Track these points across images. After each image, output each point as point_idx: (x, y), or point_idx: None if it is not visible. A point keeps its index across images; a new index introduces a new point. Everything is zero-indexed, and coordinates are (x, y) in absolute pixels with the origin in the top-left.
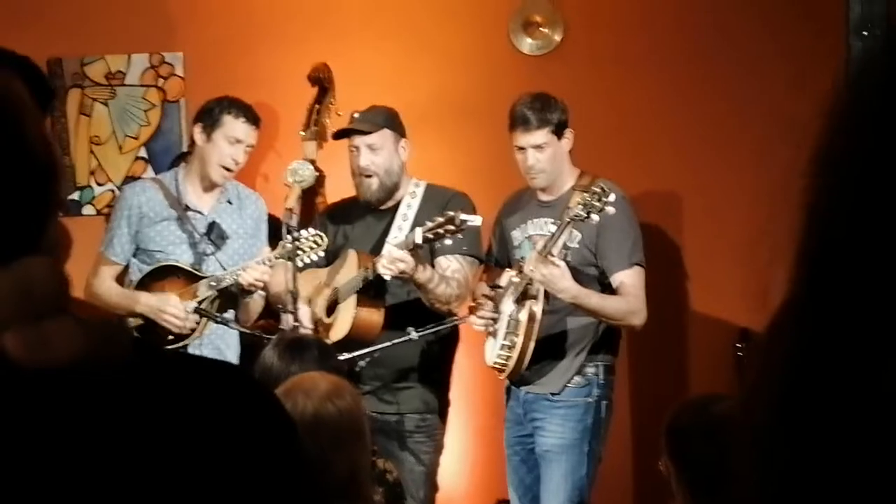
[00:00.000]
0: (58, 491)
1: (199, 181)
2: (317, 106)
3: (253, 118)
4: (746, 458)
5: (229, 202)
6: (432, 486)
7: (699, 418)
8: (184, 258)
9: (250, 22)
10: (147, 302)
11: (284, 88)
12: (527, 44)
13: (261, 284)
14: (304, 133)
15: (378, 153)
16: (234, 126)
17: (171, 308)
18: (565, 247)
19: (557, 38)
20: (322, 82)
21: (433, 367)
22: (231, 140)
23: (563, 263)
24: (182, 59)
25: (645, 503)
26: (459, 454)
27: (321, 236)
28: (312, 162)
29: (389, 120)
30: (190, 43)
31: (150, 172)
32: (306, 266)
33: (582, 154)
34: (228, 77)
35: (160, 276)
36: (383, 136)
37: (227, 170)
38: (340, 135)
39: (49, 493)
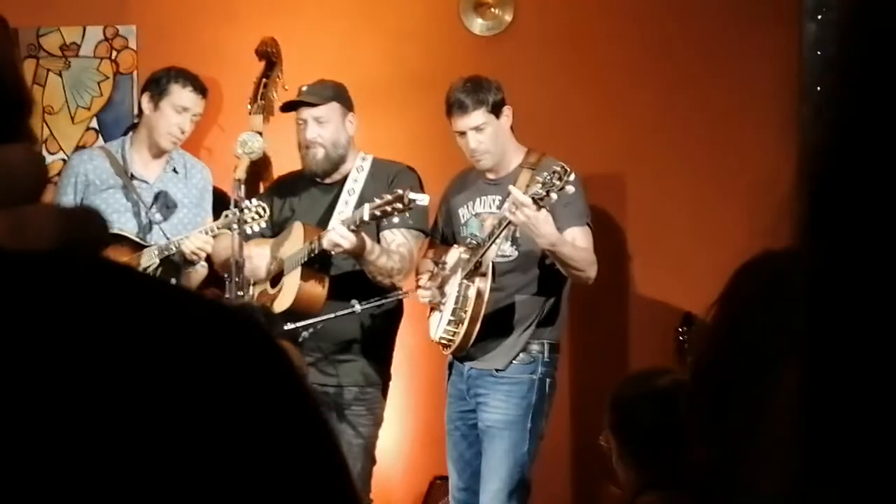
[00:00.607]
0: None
1: (146, 150)
2: (264, 80)
3: (200, 87)
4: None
5: (175, 171)
6: (370, 459)
7: (644, 391)
8: (128, 227)
9: None
10: None
11: (232, 63)
12: (477, 24)
13: (203, 254)
14: (250, 107)
15: (325, 126)
16: (181, 95)
17: None
18: (537, 204)
19: (508, 18)
20: (269, 56)
21: (375, 341)
22: (178, 109)
23: (547, 208)
24: (135, 32)
25: (584, 481)
26: (398, 429)
27: (263, 207)
28: (259, 134)
29: (337, 93)
30: (143, 16)
31: (100, 142)
32: (249, 236)
33: (530, 134)
34: (180, 51)
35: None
36: (330, 109)
37: (175, 137)
38: (288, 107)
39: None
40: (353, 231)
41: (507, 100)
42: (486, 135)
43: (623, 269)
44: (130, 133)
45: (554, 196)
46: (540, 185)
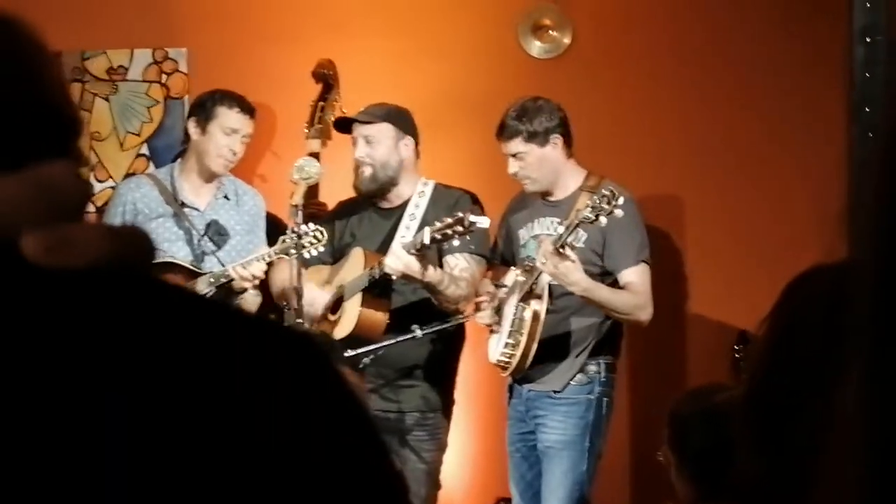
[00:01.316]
0: (64, 379)
1: (196, 176)
2: (321, 103)
3: (247, 108)
4: (754, 443)
5: (226, 198)
6: (434, 484)
7: (702, 408)
8: (181, 255)
9: (255, 18)
10: None
11: (287, 86)
12: (535, 47)
13: (255, 281)
14: (307, 130)
15: (374, 146)
16: (228, 116)
17: None
18: (570, 246)
19: (566, 41)
20: (327, 79)
21: (436, 366)
22: (227, 130)
23: (575, 257)
24: (186, 55)
25: (642, 499)
26: (461, 451)
27: (321, 231)
28: (316, 158)
29: (392, 116)
30: (194, 39)
31: (151, 170)
32: (308, 261)
33: (589, 156)
34: (232, 74)
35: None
36: (381, 130)
37: (226, 160)
38: (340, 123)
39: (57, 380)
40: (414, 255)
41: (565, 124)
42: (527, 162)
43: (680, 287)
44: (178, 160)
45: (603, 220)
46: (589, 209)
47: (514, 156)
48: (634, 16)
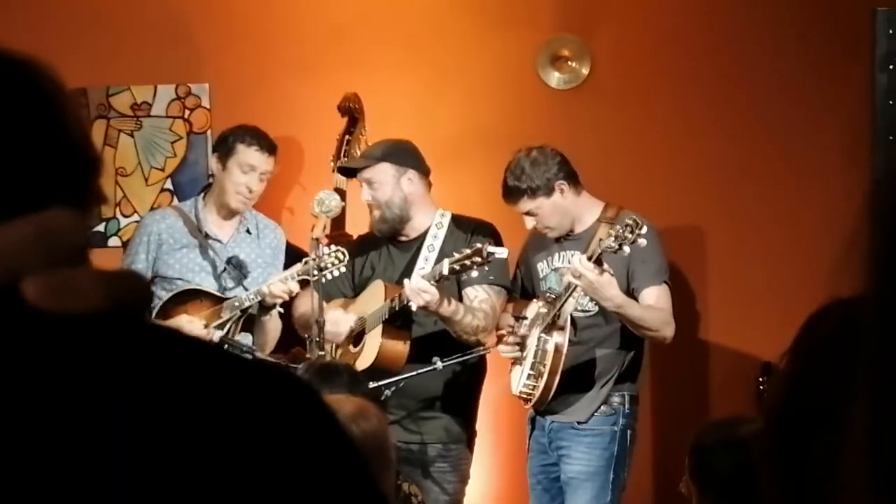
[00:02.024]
0: (70, 424)
1: (217, 210)
2: (347, 136)
3: (267, 146)
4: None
5: (248, 232)
6: None
7: (724, 438)
8: (205, 285)
9: (276, 54)
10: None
11: (310, 120)
12: (554, 78)
13: (286, 297)
14: (333, 164)
15: (376, 188)
16: (246, 154)
17: (188, 327)
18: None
19: (585, 71)
20: (352, 112)
21: (458, 397)
22: (245, 168)
23: (612, 271)
24: (208, 90)
25: None
26: (484, 483)
27: (343, 252)
28: (342, 192)
29: (389, 154)
30: (216, 74)
31: (176, 203)
32: (328, 286)
33: (607, 186)
34: (254, 109)
35: (182, 301)
36: (379, 171)
37: (244, 197)
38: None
39: (61, 426)
40: (434, 285)
41: (565, 167)
42: (540, 216)
43: (703, 318)
44: (203, 193)
45: (626, 249)
46: (612, 239)
47: (526, 213)
48: (653, 46)
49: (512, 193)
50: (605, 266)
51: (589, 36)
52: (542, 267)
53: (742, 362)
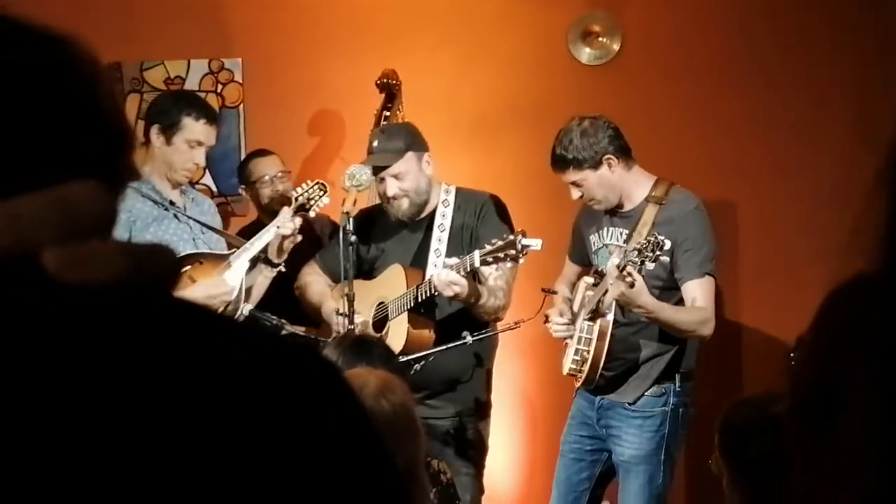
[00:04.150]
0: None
1: (167, 182)
2: (385, 112)
3: (213, 116)
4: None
5: (192, 200)
6: (479, 490)
7: (756, 417)
8: (189, 249)
9: (308, 28)
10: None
11: (342, 95)
12: (585, 53)
13: (295, 233)
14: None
15: (404, 179)
16: (194, 129)
17: (213, 289)
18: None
19: (616, 47)
20: (391, 88)
21: (477, 372)
22: (192, 144)
23: (640, 279)
24: (241, 65)
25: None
26: (513, 458)
27: (322, 184)
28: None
29: (410, 142)
30: (249, 49)
31: (207, 178)
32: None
33: (640, 163)
34: (286, 83)
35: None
36: (407, 162)
37: (191, 173)
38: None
39: (75, 401)
40: (463, 276)
41: (617, 140)
42: (586, 187)
43: (736, 294)
44: (142, 166)
45: (649, 266)
46: (636, 253)
47: (572, 183)
48: (683, 22)
49: (558, 163)
50: (635, 275)
51: (620, 12)
52: (593, 240)
53: (776, 337)
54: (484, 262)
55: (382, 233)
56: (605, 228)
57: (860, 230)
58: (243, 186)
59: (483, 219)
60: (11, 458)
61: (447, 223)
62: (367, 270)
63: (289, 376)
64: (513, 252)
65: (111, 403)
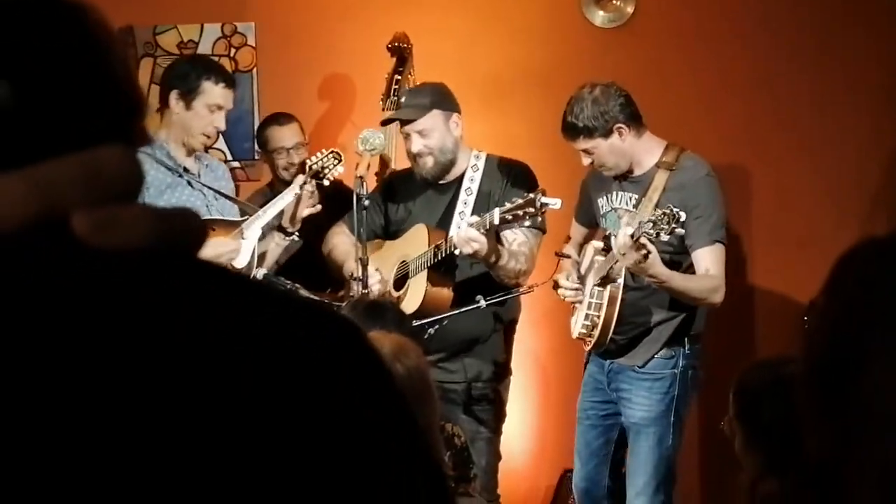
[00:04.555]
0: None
1: (180, 147)
2: (396, 76)
3: (231, 80)
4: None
5: (207, 166)
6: (495, 455)
7: (772, 378)
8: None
9: None
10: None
11: (356, 59)
12: (598, 16)
13: (310, 199)
14: (383, 103)
15: (429, 136)
16: (213, 93)
17: (219, 248)
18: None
19: (629, 10)
20: (402, 52)
21: (495, 337)
22: (212, 108)
23: (653, 248)
24: (254, 28)
25: (712, 471)
26: (530, 424)
27: (337, 151)
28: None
29: (436, 100)
30: (262, 13)
31: (221, 142)
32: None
33: (653, 126)
34: (300, 47)
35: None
36: (432, 118)
37: (210, 139)
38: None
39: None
40: (483, 234)
41: (628, 107)
42: (597, 154)
43: (748, 259)
44: (160, 133)
45: (665, 237)
46: (651, 225)
47: (583, 151)
48: None
49: (569, 131)
50: (648, 245)
51: None
52: (602, 203)
53: (789, 300)
54: (503, 221)
55: (410, 195)
56: (615, 192)
57: (880, 200)
58: (259, 151)
59: (510, 184)
60: (51, 416)
61: (474, 187)
62: (393, 231)
63: (318, 338)
64: (532, 210)
65: (142, 367)
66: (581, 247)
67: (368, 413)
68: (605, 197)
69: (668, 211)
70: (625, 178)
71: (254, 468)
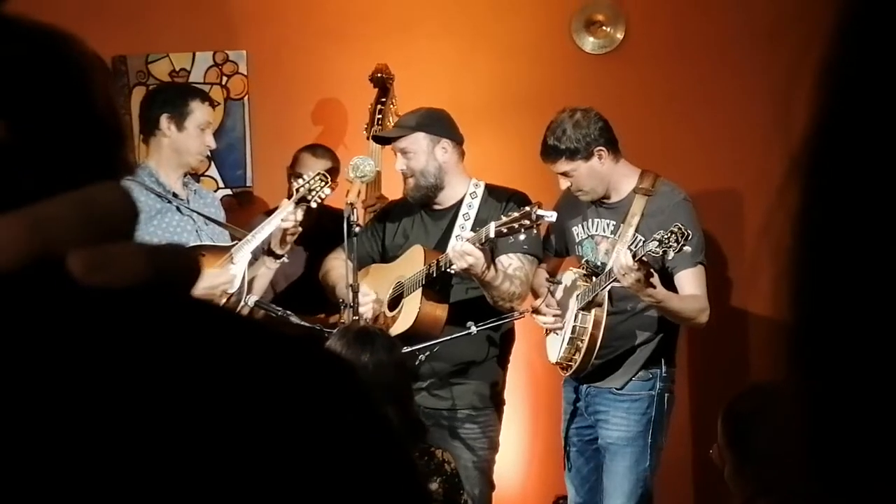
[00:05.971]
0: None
1: (173, 171)
2: (379, 106)
3: (210, 99)
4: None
5: (195, 192)
6: (488, 483)
7: (760, 404)
8: (192, 242)
9: (312, 20)
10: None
11: (346, 87)
12: (589, 42)
13: (297, 226)
14: (367, 132)
15: (410, 157)
16: (202, 111)
17: (214, 279)
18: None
19: (619, 36)
20: (383, 82)
21: (489, 363)
22: (203, 126)
23: (654, 271)
24: (245, 56)
25: (705, 495)
26: (519, 450)
27: (324, 173)
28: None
29: (424, 123)
30: (253, 41)
31: (213, 170)
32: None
33: (641, 151)
34: (291, 75)
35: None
36: (414, 140)
37: (205, 156)
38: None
39: (94, 398)
40: (479, 248)
41: (606, 132)
42: (576, 178)
43: (740, 284)
44: (146, 160)
45: (671, 255)
46: (656, 244)
47: (561, 174)
48: (686, 10)
49: (550, 153)
50: (647, 263)
51: (623, 1)
52: (577, 231)
53: (777, 326)
54: (499, 234)
55: (408, 221)
56: (591, 220)
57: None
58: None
59: (506, 210)
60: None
61: (472, 213)
62: (391, 258)
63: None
64: (527, 222)
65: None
66: (551, 275)
67: (353, 448)
68: (580, 225)
69: (675, 229)
70: (601, 203)
71: None
